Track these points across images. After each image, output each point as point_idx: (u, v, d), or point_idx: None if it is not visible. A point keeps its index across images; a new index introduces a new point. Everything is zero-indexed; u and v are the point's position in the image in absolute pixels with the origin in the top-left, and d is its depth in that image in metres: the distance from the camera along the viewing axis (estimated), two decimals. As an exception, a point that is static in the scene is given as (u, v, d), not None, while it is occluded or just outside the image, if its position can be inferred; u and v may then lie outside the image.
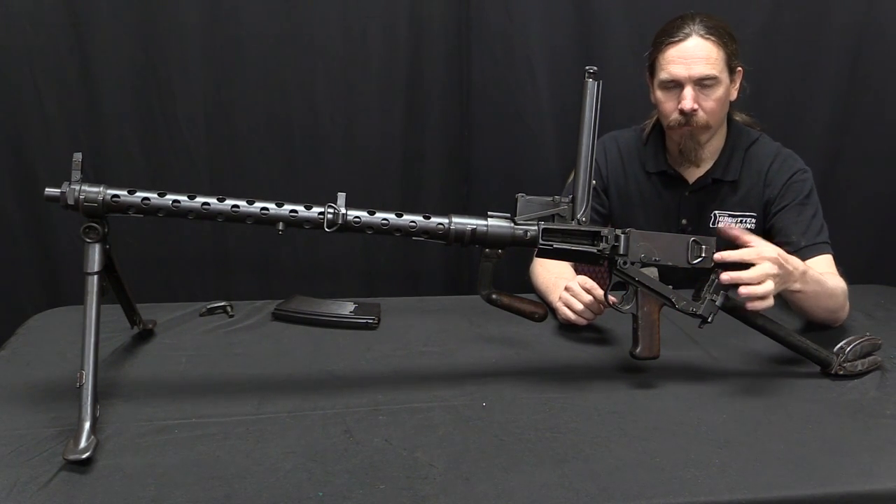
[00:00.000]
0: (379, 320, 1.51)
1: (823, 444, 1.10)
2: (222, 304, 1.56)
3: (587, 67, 1.20)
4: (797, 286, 1.33)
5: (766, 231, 1.67)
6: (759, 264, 1.23)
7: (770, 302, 1.23)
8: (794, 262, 1.31)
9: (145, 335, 1.42)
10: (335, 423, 1.12)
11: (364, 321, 1.50)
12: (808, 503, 0.99)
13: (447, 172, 2.26)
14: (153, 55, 2.05)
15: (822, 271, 1.49)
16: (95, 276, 1.08)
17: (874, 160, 2.33)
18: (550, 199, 1.21)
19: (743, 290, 1.21)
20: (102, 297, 1.09)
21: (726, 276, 1.23)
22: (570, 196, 1.22)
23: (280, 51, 2.09)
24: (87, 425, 1.01)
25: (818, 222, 1.60)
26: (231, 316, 1.53)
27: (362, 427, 1.11)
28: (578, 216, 1.21)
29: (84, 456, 0.98)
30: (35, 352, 1.35)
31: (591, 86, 1.20)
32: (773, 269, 1.23)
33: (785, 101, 2.24)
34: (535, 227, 1.19)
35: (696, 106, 1.56)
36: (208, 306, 1.55)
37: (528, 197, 1.20)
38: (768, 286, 1.22)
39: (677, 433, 1.12)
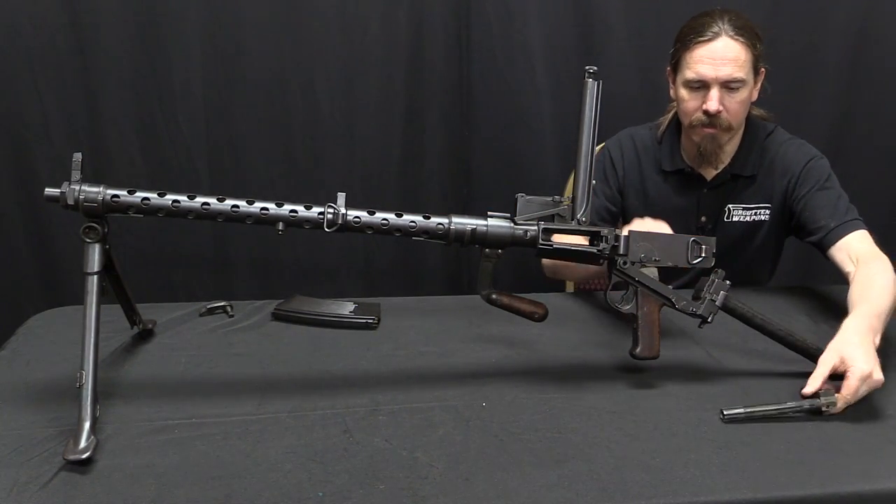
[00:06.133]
0: (379, 320, 1.51)
1: (823, 444, 1.10)
2: (222, 304, 1.55)
3: (587, 67, 1.20)
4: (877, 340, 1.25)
5: (789, 222, 1.66)
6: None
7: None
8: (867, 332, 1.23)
9: (145, 335, 1.42)
10: (335, 423, 1.12)
11: (364, 321, 1.50)
12: (808, 503, 0.99)
13: (447, 172, 2.26)
14: (153, 55, 2.05)
15: (860, 248, 1.47)
16: (95, 276, 1.08)
17: (874, 160, 2.34)
18: (550, 199, 1.21)
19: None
20: (102, 297, 1.09)
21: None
22: (571, 196, 1.21)
23: (280, 50, 2.10)
24: (87, 425, 1.01)
25: (844, 202, 1.58)
26: (231, 316, 1.53)
27: (362, 427, 1.11)
28: (578, 216, 1.20)
29: (84, 456, 0.98)
30: (35, 352, 1.35)
31: (591, 86, 1.20)
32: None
33: (785, 100, 2.23)
34: (535, 227, 1.19)
35: (721, 108, 1.53)
36: (208, 306, 1.55)
37: (528, 197, 1.20)
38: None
39: (677, 433, 1.12)
